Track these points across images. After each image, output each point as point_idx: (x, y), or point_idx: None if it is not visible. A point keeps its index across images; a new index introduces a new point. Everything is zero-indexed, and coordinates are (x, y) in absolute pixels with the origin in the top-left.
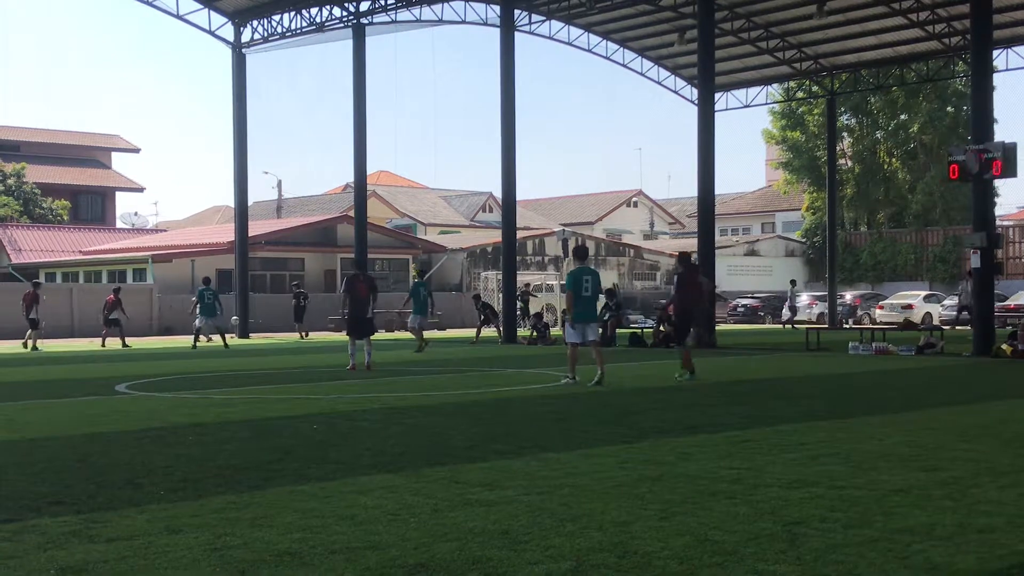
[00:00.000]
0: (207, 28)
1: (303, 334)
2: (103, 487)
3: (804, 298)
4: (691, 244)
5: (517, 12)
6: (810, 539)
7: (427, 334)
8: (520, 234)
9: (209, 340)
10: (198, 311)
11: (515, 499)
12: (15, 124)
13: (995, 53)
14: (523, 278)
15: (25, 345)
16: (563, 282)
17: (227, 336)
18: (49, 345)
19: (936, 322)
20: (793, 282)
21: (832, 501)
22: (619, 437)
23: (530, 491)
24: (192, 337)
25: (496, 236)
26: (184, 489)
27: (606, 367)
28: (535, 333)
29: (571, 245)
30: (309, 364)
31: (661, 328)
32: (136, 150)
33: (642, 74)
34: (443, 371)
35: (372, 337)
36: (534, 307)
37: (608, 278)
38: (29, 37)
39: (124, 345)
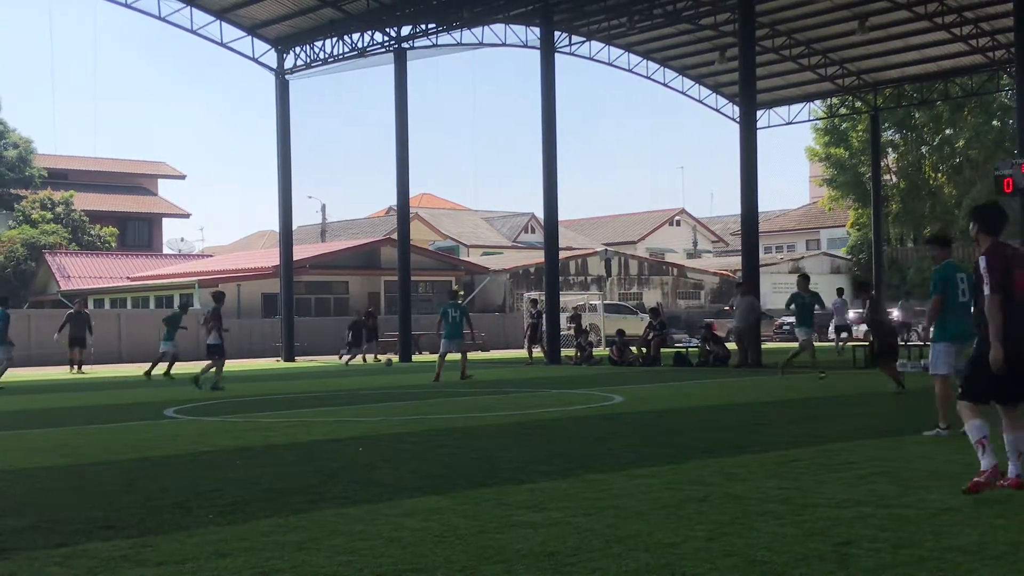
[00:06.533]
0: (250, 55)
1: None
2: (152, 511)
3: (851, 315)
4: (735, 262)
5: (557, 33)
6: (859, 559)
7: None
8: (563, 254)
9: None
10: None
11: (561, 521)
12: (63, 153)
13: None
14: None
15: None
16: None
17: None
18: (98, 371)
19: None
20: (840, 291)
21: (882, 520)
22: (665, 458)
23: (576, 513)
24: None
25: (539, 257)
26: (232, 513)
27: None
28: (579, 353)
29: (614, 264)
30: (354, 387)
31: (707, 347)
32: (182, 177)
33: (683, 93)
34: (487, 392)
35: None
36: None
37: (652, 297)
38: (76, 68)
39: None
